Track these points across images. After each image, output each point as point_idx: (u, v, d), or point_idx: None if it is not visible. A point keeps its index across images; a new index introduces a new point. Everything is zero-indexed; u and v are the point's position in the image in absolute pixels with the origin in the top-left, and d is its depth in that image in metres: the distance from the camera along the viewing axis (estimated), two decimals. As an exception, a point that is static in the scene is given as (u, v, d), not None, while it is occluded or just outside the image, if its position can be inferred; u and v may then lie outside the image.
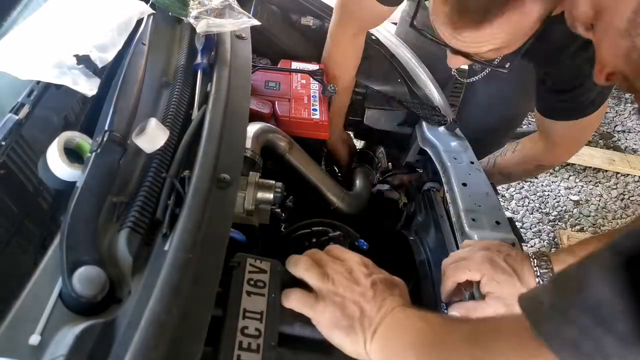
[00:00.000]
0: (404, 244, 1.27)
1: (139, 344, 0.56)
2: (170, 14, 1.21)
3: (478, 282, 0.90)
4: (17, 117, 0.75)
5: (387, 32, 1.67)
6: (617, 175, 3.21)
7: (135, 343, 0.56)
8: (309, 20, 1.72)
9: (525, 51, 1.01)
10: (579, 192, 3.09)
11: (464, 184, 1.17)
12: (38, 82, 0.82)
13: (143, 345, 0.56)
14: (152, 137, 0.81)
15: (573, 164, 3.23)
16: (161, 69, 1.09)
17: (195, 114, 0.96)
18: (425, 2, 1.03)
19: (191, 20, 1.12)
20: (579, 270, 0.51)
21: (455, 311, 0.92)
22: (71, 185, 0.72)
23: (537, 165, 1.53)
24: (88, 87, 0.83)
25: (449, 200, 1.17)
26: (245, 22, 1.18)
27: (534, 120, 3.53)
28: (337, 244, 1.19)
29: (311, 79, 1.56)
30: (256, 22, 1.22)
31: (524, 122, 3.52)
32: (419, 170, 1.53)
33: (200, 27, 1.09)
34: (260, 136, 1.27)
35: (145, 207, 0.75)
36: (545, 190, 3.08)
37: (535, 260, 0.90)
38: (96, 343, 0.57)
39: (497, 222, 1.06)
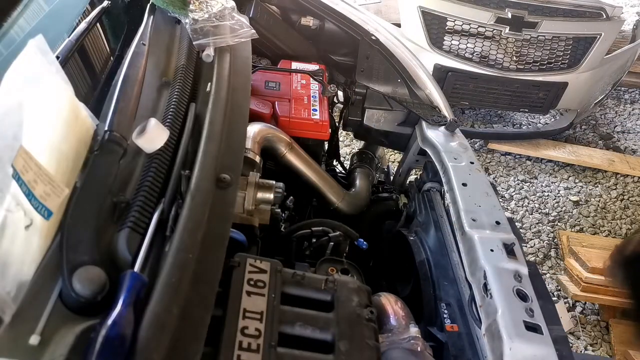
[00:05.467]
0: (404, 244, 1.27)
1: (140, 345, 0.56)
2: (170, 14, 1.21)
3: None
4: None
5: (387, 33, 1.67)
6: (617, 176, 3.21)
7: (139, 343, 0.56)
8: (309, 20, 1.72)
9: None
10: (579, 192, 3.09)
11: (464, 184, 1.17)
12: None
13: (144, 346, 0.56)
14: (152, 137, 0.81)
15: (573, 165, 3.23)
16: (161, 69, 1.09)
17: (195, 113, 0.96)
18: None
19: (189, 31, 1.13)
20: None
21: None
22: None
23: None
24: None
25: (448, 200, 1.18)
26: (243, 33, 1.19)
27: (534, 120, 3.54)
28: (337, 244, 1.20)
29: (311, 79, 1.56)
30: (255, 36, 1.23)
31: (523, 122, 3.53)
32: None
33: (199, 43, 1.10)
34: (260, 136, 1.27)
35: (145, 207, 0.75)
36: (544, 191, 3.08)
37: None
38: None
39: (497, 222, 1.06)
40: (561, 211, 2.95)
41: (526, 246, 2.71)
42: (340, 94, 1.75)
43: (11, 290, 0.57)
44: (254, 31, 1.23)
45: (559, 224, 2.87)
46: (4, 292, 0.55)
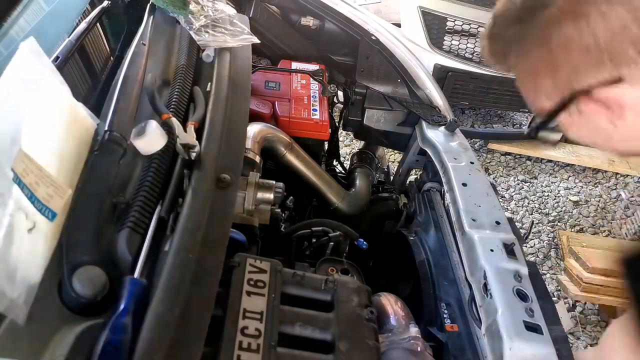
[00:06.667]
0: (404, 244, 1.27)
1: (144, 345, 0.56)
2: (170, 14, 1.21)
3: None
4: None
5: (387, 32, 1.68)
6: (617, 176, 3.21)
7: (141, 344, 0.56)
8: (309, 20, 1.72)
9: None
10: (579, 192, 3.09)
11: (464, 184, 1.17)
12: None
13: (148, 346, 0.56)
14: (151, 140, 0.80)
15: (573, 165, 3.23)
16: (161, 69, 1.09)
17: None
18: None
19: (194, 35, 1.13)
20: None
21: None
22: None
23: None
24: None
25: (449, 200, 1.18)
26: (245, 38, 1.20)
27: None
28: (337, 244, 1.20)
29: (311, 79, 1.56)
30: (256, 41, 1.23)
31: (523, 122, 3.53)
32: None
33: (202, 41, 1.12)
34: (260, 136, 1.27)
35: (145, 207, 0.75)
36: (544, 191, 3.08)
37: None
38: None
39: (497, 222, 1.06)
40: (561, 211, 2.95)
41: (526, 246, 2.71)
42: (340, 94, 1.75)
43: (21, 293, 0.57)
44: (255, 38, 1.23)
45: (559, 224, 2.87)
46: (14, 295, 0.55)
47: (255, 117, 1.36)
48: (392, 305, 0.97)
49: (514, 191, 3.06)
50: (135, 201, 0.75)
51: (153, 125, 0.81)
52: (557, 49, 0.64)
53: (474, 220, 1.07)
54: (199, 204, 0.76)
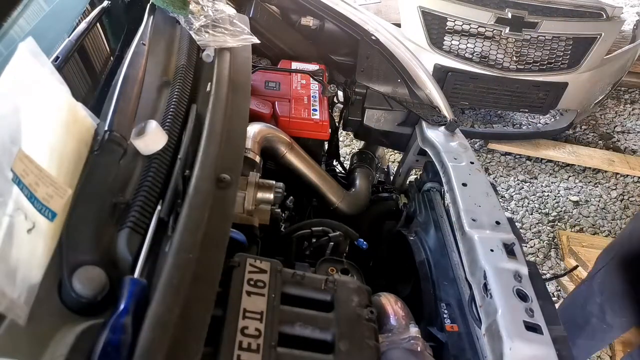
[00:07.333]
0: (404, 244, 1.27)
1: (144, 345, 0.56)
2: (170, 14, 1.21)
3: None
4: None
5: (387, 33, 1.67)
6: (617, 176, 3.21)
7: (141, 343, 0.56)
8: (309, 21, 1.72)
9: None
10: (579, 192, 3.09)
11: (464, 184, 1.17)
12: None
13: (148, 346, 0.56)
14: (151, 140, 0.80)
15: (573, 165, 3.23)
16: (161, 68, 1.09)
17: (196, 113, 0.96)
18: None
19: (194, 35, 1.13)
20: None
21: None
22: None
23: None
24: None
25: (449, 200, 1.18)
26: (245, 38, 1.20)
27: (534, 120, 3.54)
28: (337, 244, 1.20)
29: (311, 79, 1.56)
30: (256, 41, 1.24)
31: (523, 122, 3.53)
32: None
33: (202, 41, 1.12)
34: (260, 136, 1.27)
35: (145, 207, 0.75)
36: (544, 191, 3.08)
37: None
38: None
39: (497, 222, 1.06)
40: (561, 211, 2.95)
41: (526, 246, 2.71)
42: (340, 94, 1.75)
43: (21, 293, 0.57)
44: (255, 38, 1.23)
45: (559, 224, 2.87)
46: (14, 295, 0.55)
47: (255, 117, 1.36)
48: (392, 305, 0.97)
49: (514, 191, 3.06)
50: (135, 201, 0.75)
51: (153, 125, 0.81)
52: None
53: (474, 220, 1.07)
54: (199, 204, 0.76)
